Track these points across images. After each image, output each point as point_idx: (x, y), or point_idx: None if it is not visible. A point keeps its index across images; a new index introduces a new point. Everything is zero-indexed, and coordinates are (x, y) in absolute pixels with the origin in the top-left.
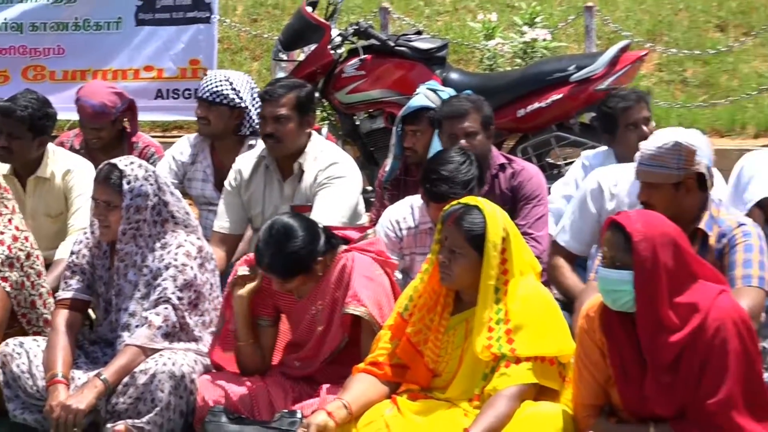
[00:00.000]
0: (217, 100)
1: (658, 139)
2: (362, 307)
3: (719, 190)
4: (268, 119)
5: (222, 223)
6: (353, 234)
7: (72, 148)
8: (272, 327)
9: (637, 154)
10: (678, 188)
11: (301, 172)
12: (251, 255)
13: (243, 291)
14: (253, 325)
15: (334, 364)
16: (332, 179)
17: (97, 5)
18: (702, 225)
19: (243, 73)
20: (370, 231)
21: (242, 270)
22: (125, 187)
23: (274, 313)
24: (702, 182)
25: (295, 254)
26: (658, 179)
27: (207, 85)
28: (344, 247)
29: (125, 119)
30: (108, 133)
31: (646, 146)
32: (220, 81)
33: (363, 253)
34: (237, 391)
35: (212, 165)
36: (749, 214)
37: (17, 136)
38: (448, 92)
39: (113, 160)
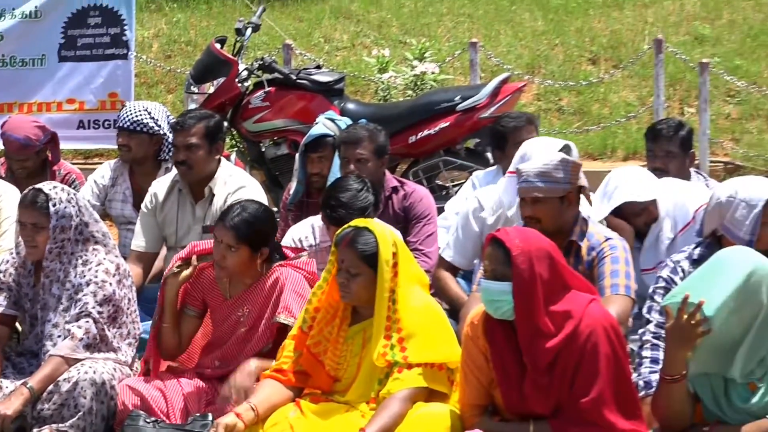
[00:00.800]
0: (138, 128)
1: (542, 157)
2: (292, 318)
3: (586, 207)
4: (180, 147)
5: (139, 242)
6: (288, 252)
7: None
8: (196, 318)
9: (522, 173)
10: (563, 201)
11: (212, 195)
12: (185, 251)
13: (176, 277)
14: (179, 313)
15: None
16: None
17: (22, 43)
18: (575, 237)
19: (159, 104)
20: (304, 253)
21: (176, 266)
22: (51, 209)
23: (202, 306)
24: (579, 195)
25: (256, 218)
26: (546, 193)
27: (127, 116)
28: (280, 261)
29: (48, 150)
30: (33, 163)
31: (531, 164)
32: (140, 111)
33: (297, 270)
34: (154, 395)
35: (131, 187)
36: (608, 221)
37: None
38: (345, 121)
39: (38, 185)
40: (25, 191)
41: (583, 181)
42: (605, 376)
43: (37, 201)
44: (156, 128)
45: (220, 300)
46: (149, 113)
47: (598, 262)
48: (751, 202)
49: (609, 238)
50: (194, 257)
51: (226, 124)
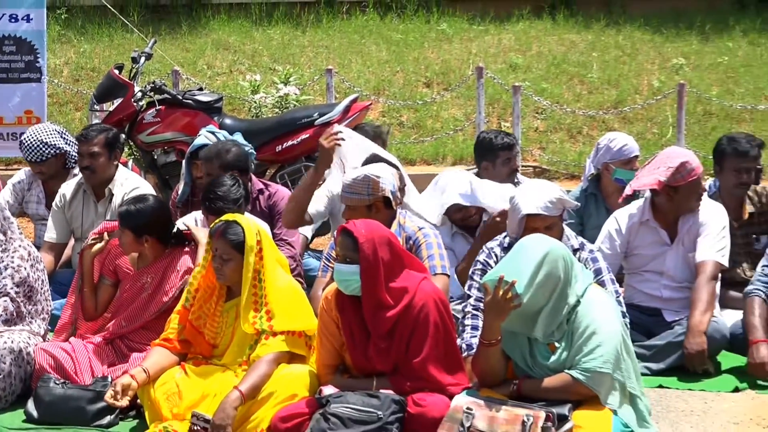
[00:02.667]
0: (43, 159)
1: (353, 173)
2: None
3: (415, 201)
4: (84, 155)
5: (51, 234)
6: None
7: None
8: (111, 287)
9: (342, 185)
10: (370, 209)
11: (111, 195)
12: (98, 228)
13: (90, 248)
14: (97, 281)
15: (149, 331)
16: None
17: None
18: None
19: (49, 124)
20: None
21: (92, 239)
22: None
23: (115, 277)
24: (388, 203)
25: (138, 210)
26: (354, 203)
27: (31, 153)
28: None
29: None
30: None
31: (345, 179)
32: (38, 145)
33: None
34: (64, 357)
35: (44, 191)
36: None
37: None
38: (223, 134)
39: None
40: None
41: (387, 192)
42: (433, 339)
43: None
44: (56, 150)
45: (130, 270)
46: (45, 143)
47: (416, 248)
48: (516, 209)
49: (422, 228)
50: (105, 233)
51: (123, 136)
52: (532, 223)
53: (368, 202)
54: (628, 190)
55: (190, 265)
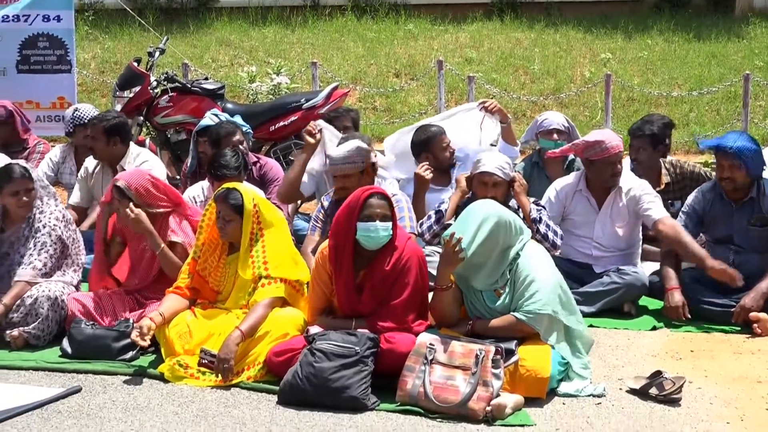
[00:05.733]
0: (80, 123)
1: (345, 146)
2: (179, 237)
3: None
4: (89, 139)
5: (75, 198)
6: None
7: None
8: (121, 245)
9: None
10: (362, 174)
11: (124, 170)
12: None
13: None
14: (110, 239)
15: (160, 283)
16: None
17: None
18: None
19: (89, 105)
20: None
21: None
22: (34, 177)
23: (123, 238)
24: (374, 168)
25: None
26: (352, 171)
27: (75, 115)
28: (161, 211)
29: (13, 122)
30: (4, 133)
31: (338, 151)
32: (82, 111)
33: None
34: (92, 305)
35: (75, 163)
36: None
37: None
38: (225, 116)
39: (14, 162)
40: (6, 169)
41: (373, 158)
42: (412, 288)
43: (25, 174)
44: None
45: (132, 234)
46: (86, 113)
47: None
48: (476, 166)
49: (394, 194)
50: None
51: (141, 118)
52: (482, 178)
53: (362, 168)
54: (552, 153)
55: (172, 226)
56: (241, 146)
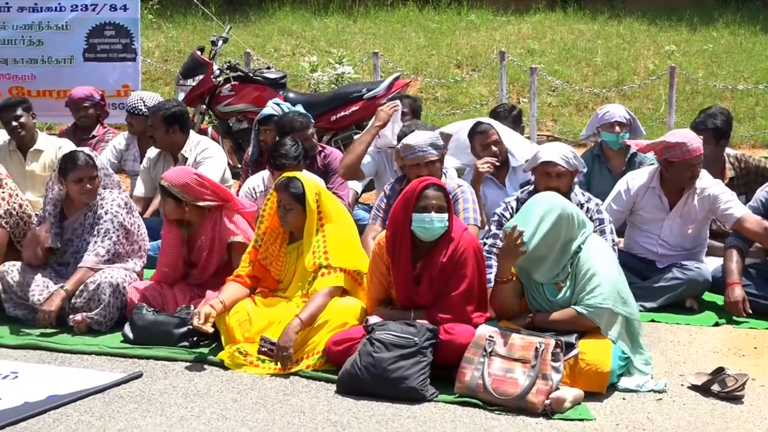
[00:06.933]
0: (135, 112)
1: (427, 132)
2: (239, 237)
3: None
4: (149, 128)
5: (140, 189)
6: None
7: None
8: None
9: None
10: (440, 162)
11: (185, 158)
12: None
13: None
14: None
15: (218, 276)
16: (206, 158)
17: (56, 47)
18: None
19: (154, 93)
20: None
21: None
22: (98, 164)
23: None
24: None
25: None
26: (434, 157)
27: (129, 103)
28: (208, 204)
29: (99, 108)
30: (90, 115)
31: (421, 138)
32: (137, 100)
33: (238, 212)
34: (153, 293)
35: (139, 151)
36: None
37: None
38: (287, 106)
39: (78, 150)
40: (71, 155)
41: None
42: (469, 279)
43: (89, 161)
44: (147, 112)
45: (189, 233)
46: (143, 101)
47: (454, 201)
48: (537, 156)
49: (460, 185)
50: None
51: (204, 107)
52: (545, 168)
53: (441, 155)
54: (633, 147)
55: (230, 226)
56: (314, 139)
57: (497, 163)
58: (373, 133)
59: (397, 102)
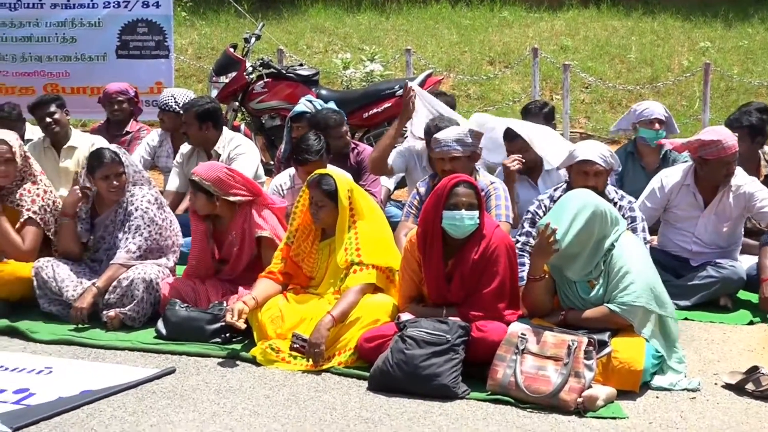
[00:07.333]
0: (166, 108)
1: (456, 128)
2: (266, 231)
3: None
4: (182, 124)
5: (173, 184)
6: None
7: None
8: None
9: (441, 140)
10: (470, 159)
11: (218, 154)
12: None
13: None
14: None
15: (249, 271)
16: (239, 154)
17: (90, 45)
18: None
19: (185, 90)
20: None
21: None
22: (125, 161)
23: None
24: (477, 154)
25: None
26: (461, 153)
27: (161, 100)
28: (239, 199)
29: (132, 104)
30: (124, 109)
31: (448, 134)
32: (168, 97)
33: (267, 206)
34: (186, 289)
35: (172, 147)
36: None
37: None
38: (320, 103)
39: (105, 148)
40: (97, 153)
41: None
42: (501, 276)
43: (115, 157)
44: (179, 109)
45: (218, 229)
46: (174, 98)
47: (487, 198)
48: (573, 155)
49: (493, 182)
50: None
51: (237, 103)
52: (583, 167)
53: (470, 152)
54: (667, 145)
55: (258, 221)
56: (348, 136)
57: (523, 161)
58: (400, 126)
59: (409, 83)
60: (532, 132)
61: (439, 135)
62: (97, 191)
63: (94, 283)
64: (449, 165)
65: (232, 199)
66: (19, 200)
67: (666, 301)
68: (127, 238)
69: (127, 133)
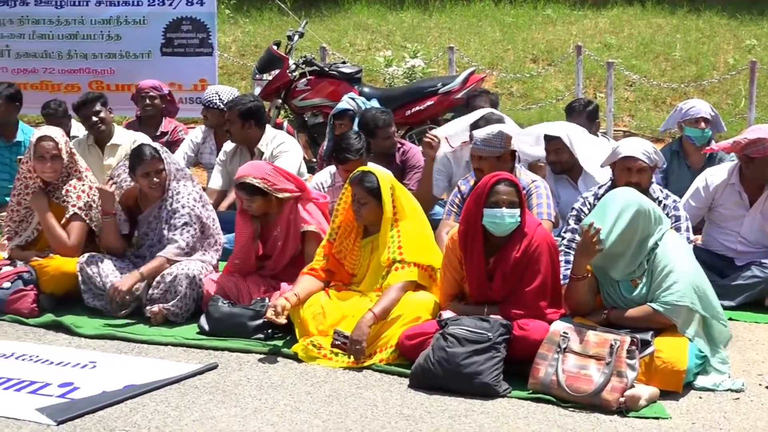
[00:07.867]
0: (210, 105)
1: (488, 128)
2: (312, 226)
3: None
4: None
5: (217, 182)
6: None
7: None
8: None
9: (474, 139)
10: (499, 160)
11: (261, 153)
12: None
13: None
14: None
15: (291, 267)
16: (282, 152)
17: (134, 43)
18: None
19: (230, 87)
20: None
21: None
22: (166, 158)
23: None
24: (513, 156)
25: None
26: (487, 154)
27: (205, 97)
28: (288, 195)
29: (165, 102)
30: (156, 105)
31: (480, 132)
32: (213, 94)
33: (311, 201)
34: (228, 285)
35: (216, 144)
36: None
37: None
38: (362, 100)
39: (145, 145)
40: (137, 151)
41: (514, 147)
42: (543, 275)
43: (156, 154)
44: (223, 106)
45: (264, 225)
46: (219, 95)
47: (528, 196)
48: (617, 151)
49: (534, 180)
50: None
51: (280, 101)
52: (626, 164)
53: (498, 153)
54: (714, 147)
55: (304, 215)
56: (395, 136)
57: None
58: (428, 170)
59: (436, 132)
60: (572, 133)
61: (475, 132)
62: (140, 188)
63: (138, 269)
64: (476, 163)
65: (281, 195)
66: (65, 196)
67: (713, 301)
68: (175, 234)
69: (163, 134)
